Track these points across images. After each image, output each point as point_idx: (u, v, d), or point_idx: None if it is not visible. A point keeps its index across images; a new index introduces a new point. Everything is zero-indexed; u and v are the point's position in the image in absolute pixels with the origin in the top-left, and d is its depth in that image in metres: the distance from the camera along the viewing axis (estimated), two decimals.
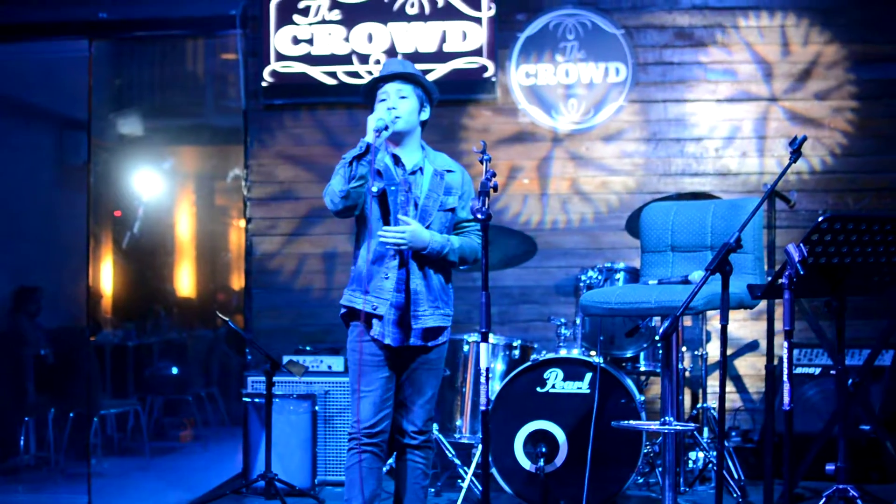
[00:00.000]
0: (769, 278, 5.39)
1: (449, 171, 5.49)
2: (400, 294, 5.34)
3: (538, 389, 6.87)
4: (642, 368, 7.52)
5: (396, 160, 5.42)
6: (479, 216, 4.93)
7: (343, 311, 5.48)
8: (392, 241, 5.21)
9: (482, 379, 5.02)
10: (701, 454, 7.55)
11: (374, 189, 5.29)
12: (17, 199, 11.07)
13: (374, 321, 5.35)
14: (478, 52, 8.90)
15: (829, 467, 5.36)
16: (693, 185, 8.85)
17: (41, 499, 8.21)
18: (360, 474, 5.36)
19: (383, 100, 5.43)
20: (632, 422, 6.44)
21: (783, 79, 8.91)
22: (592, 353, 7.11)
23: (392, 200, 5.35)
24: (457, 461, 7.30)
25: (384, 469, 7.26)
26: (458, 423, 7.35)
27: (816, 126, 8.84)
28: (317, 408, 7.75)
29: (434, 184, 5.41)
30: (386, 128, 5.22)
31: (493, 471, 6.85)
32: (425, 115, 5.54)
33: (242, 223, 9.37)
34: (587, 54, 8.99)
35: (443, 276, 5.46)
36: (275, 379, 7.51)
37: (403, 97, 5.42)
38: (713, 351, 8.22)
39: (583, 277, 7.49)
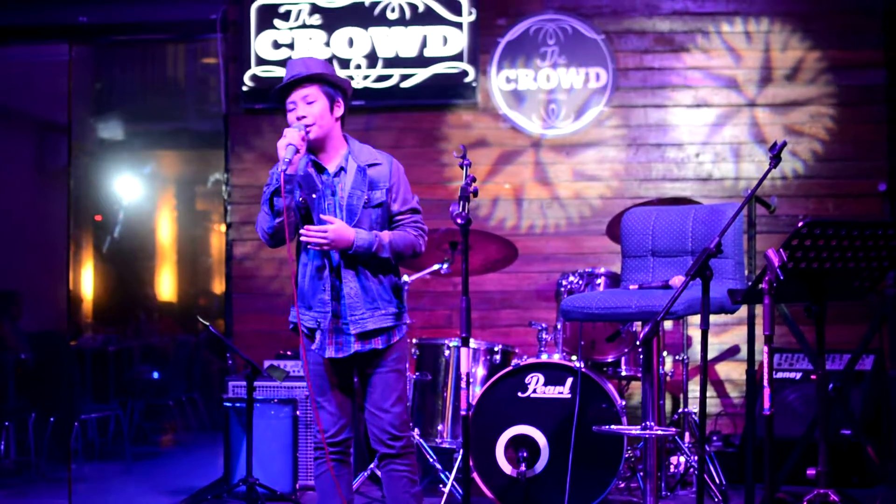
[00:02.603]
0: (750, 283, 5.41)
1: (373, 164, 5.30)
2: (334, 302, 5.20)
3: (519, 394, 6.87)
4: (623, 373, 7.52)
5: (318, 166, 5.27)
6: (458, 221, 4.90)
7: (291, 325, 5.36)
8: (314, 241, 5.06)
9: (463, 384, 5.01)
10: (682, 459, 7.56)
11: (299, 203, 5.21)
12: None
13: (317, 334, 5.25)
14: (458, 57, 8.91)
15: (811, 472, 5.37)
16: (674, 190, 8.87)
17: None
18: (334, 483, 5.34)
19: (291, 109, 5.26)
20: (613, 426, 6.43)
21: (763, 84, 8.94)
22: (573, 357, 7.11)
23: (316, 208, 5.22)
24: (438, 466, 7.29)
25: (365, 473, 7.31)
26: (440, 427, 7.35)
27: (796, 131, 8.87)
28: (298, 412, 7.74)
29: (357, 181, 5.23)
30: (297, 151, 5.05)
31: (475, 475, 6.85)
32: (340, 112, 5.32)
33: (223, 227, 9.35)
34: (568, 59, 9.00)
35: (382, 274, 5.27)
36: (256, 383, 7.49)
37: (311, 101, 5.22)
38: (694, 355, 8.23)
39: (564, 282, 7.48)
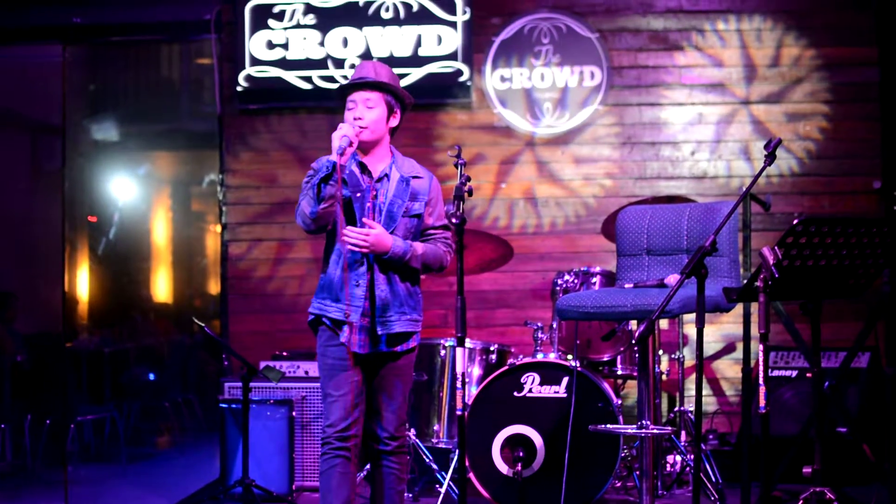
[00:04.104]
0: (745, 281, 5.40)
1: (416, 177, 5.45)
2: (367, 300, 5.33)
3: (515, 394, 6.87)
4: (619, 372, 7.51)
5: (363, 168, 5.38)
6: (453, 220, 4.93)
7: (311, 318, 5.47)
8: (354, 242, 5.17)
9: (458, 383, 5.02)
10: (679, 457, 7.56)
11: (343, 196, 5.28)
12: None
13: (344, 327, 5.33)
14: (453, 57, 8.90)
15: (806, 470, 5.38)
16: (668, 189, 8.86)
17: None
18: (339, 479, 5.35)
19: (350, 108, 5.38)
20: (609, 426, 6.43)
21: (758, 82, 8.94)
22: (569, 356, 7.11)
23: (357, 207, 5.33)
24: (434, 466, 7.28)
25: (361, 474, 7.29)
26: (435, 427, 7.34)
27: (791, 129, 8.87)
28: (294, 413, 7.73)
29: (399, 190, 5.38)
30: (350, 144, 5.17)
31: (471, 475, 6.85)
32: (395, 123, 5.48)
33: (218, 228, 9.34)
34: (562, 58, 9.00)
35: (409, 281, 5.43)
36: (251, 384, 7.50)
37: (371, 106, 5.36)
38: (690, 354, 8.23)
39: (559, 281, 7.47)
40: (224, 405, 7.79)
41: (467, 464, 6.77)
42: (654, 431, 5.77)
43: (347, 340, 5.33)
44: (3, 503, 8.23)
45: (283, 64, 9.01)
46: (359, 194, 5.34)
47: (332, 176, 5.10)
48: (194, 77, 14.13)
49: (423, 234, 5.48)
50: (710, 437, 8.25)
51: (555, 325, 7.28)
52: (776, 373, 8.02)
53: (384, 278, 5.33)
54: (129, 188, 15.14)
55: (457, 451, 7.00)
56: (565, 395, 6.78)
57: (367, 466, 7.17)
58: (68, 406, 9.75)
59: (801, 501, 5.49)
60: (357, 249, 5.20)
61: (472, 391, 7.04)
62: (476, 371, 7.36)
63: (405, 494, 5.60)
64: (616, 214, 6.50)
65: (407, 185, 5.39)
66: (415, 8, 8.94)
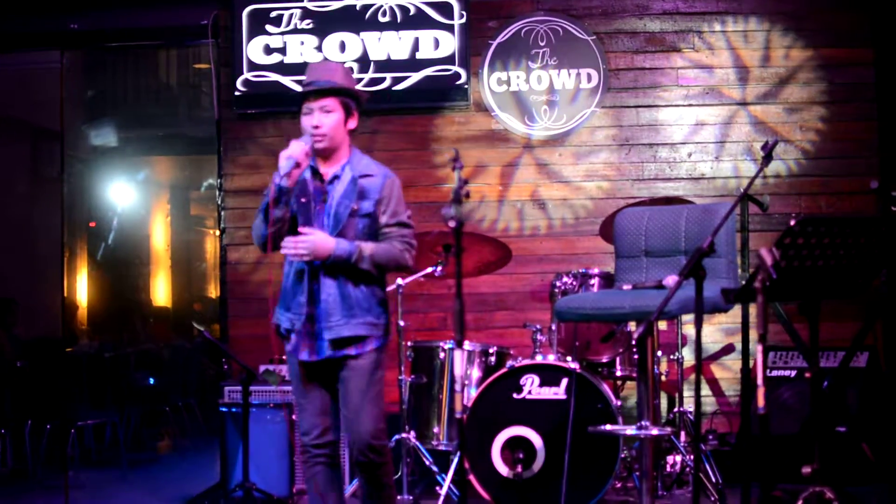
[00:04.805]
0: (743, 282, 5.41)
1: (366, 175, 5.37)
2: (312, 307, 5.28)
3: (514, 396, 6.88)
4: (618, 373, 7.51)
5: (314, 172, 5.35)
6: (451, 223, 4.91)
7: (274, 326, 5.45)
8: (292, 252, 5.15)
9: (458, 386, 5.02)
10: (678, 458, 7.56)
11: (294, 209, 5.29)
12: None
13: (292, 335, 5.33)
14: (450, 60, 8.91)
15: (806, 469, 5.38)
16: (666, 190, 8.87)
17: None
18: (322, 487, 5.37)
19: (307, 113, 5.33)
20: (608, 427, 6.44)
21: (755, 83, 8.96)
22: (568, 358, 7.11)
23: (301, 214, 5.29)
24: (434, 468, 7.28)
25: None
26: (435, 430, 7.35)
27: (789, 130, 8.89)
28: (293, 417, 7.73)
29: (347, 190, 5.32)
30: (298, 165, 5.13)
31: (471, 477, 6.85)
32: (353, 125, 5.43)
33: (217, 232, 9.35)
34: (559, 60, 9.01)
35: (364, 283, 5.32)
36: (251, 388, 7.50)
37: (328, 111, 5.30)
38: (689, 355, 8.23)
39: (558, 283, 7.47)
40: (224, 409, 7.80)
41: (467, 466, 6.78)
42: (654, 432, 5.78)
43: (294, 349, 5.31)
44: None
45: (281, 68, 9.01)
46: (303, 199, 5.29)
47: (281, 199, 5.10)
48: (192, 82, 14.16)
49: (378, 234, 5.38)
50: (710, 437, 8.25)
51: (554, 327, 7.28)
52: (775, 373, 8.03)
53: (333, 281, 5.25)
54: (127, 193, 15.17)
55: (457, 454, 7.00)
56: (565, 396, 6.79)
57: None
58: (69, 411, 9.75)
59: (800, 501, 5.50)
60: (297, 259, 5.18)
61: (472, 393, 7.05)
62: (475, 373, 7.36)
63: (396, 498, 5.54)
64: (614, 216, 6.51)
65: (354, 185, 5.32)
66: (412, 12, 8.95)
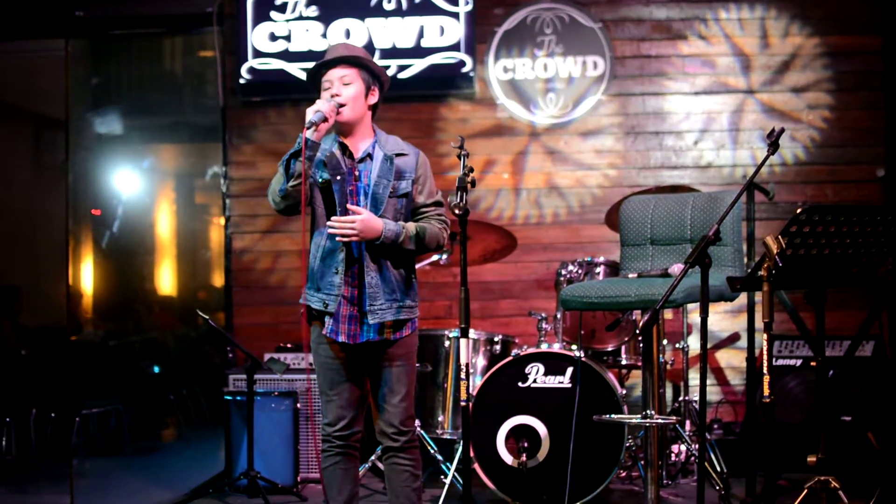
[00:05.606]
0: (749, 271, 5.40)
1: (400, 154, 5.25)
2: (352, 289, 5.13)
3: (519, 384, 6.86)
4: (623, 362, 7.51)
5: (343, 149, 5.20)
6: (457, 211, 4.87)
7: (302, 311, 5.28)
8: (341, 233, 4.98)
9: (463, 374, 4.99)
10: (683, 447, 7.56)
11: (320, 181, 5.14)
12: None
13: (326, 318, 5.15)
14: (456, 47, 8.89)
15: (811, 458, 5.37)
16: (672, 178, 8.86)
17: (23, 499, 8.17)
18: (340, 476, 5.32)
19: (327, 87, 5.21)
20: (613, 416, 6.43)
21: (761, 71, 8.94)
22: (573, 347, 7.10)
23: (337, 191, 5.12)
24: (439, 457, 7.28)
25: (367, 465, 7.29)
26: (440, 418, 7.34)
27: (794, 118, 8.87)
28: (298, 405, 7.73)
29: (384, 169, 5.17)
30: (325, 119, 5.00)
31: (476, 466, 6.84)
32: (374, 100, 5.30)
33: (222, 221, 9.35)
34: (565, 48, 8.99)
35: (403, 266, 5.22)
36: (256, 377, 7.50)
37: (347, 83, 5.18)
38: (694, 344, 8.22)
39: (563, 271, 7.46)
40: (229, 397, 7.80)
41: (472, 454, 6.77)
42: (659, 421, 5.77)
43: (331, 331, 5.17)
44: (9, 496, 8.24)
45: (286, 56, 9.00)
46: (339, 177, 5.14)
47: (306, 153, 4.96)
48: (197, 70, 14.13)
49: (416, 214, 5.28)
50: (715, 426, 8.24)
51: (559, 316, 7.27)
52: (780, 362, 8.01)
53: (374, 264, 5.11)
54: (132, 181, 15.15)
55: (461, 442, 6.99)
56: (570, 385, 6.78)
57: (373, 457, 7.21)
58: (73, 399, 9.75)
59: (806, 490, 5.49)
60: (345, 239, 5.02)
61: (477, 382, 7.04)
62: (480, 362, 7.36)
63: (422, 491, 5.48)
64: (620, 204, 6.49)
65: (391, 164, 5.19)
66: None
